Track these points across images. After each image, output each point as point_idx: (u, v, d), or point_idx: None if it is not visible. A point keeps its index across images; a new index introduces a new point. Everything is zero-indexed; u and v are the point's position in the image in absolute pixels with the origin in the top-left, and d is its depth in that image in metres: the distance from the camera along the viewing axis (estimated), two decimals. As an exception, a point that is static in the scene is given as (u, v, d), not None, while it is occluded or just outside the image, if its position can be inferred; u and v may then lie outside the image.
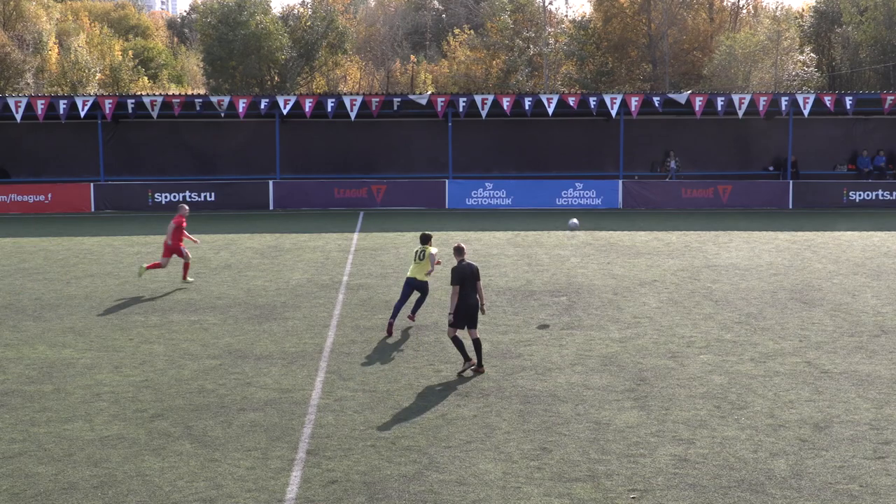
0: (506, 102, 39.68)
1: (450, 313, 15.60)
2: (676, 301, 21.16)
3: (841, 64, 78.15)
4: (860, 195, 40.04)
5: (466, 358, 15.47)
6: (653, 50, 77.87)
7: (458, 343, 15.57)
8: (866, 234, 31.90)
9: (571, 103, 39.98)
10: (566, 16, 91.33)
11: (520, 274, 24.53)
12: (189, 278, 23.42)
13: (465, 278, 15.58)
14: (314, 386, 14.95)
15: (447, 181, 40.21)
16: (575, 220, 28.79)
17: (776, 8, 78.16)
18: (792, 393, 14.61)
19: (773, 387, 14.90)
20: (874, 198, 40.02)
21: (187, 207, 24.25)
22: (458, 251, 16.00)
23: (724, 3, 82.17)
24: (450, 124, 40.34)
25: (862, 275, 24.32)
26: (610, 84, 75.43)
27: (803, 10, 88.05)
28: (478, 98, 40.08)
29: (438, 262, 18.83)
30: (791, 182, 40.38)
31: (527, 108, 39.98)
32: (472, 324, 15.65)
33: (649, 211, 38.98)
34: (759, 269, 25.17)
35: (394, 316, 18.23)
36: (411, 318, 18.96)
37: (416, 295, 18.91)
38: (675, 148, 43.11)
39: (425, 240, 18.83)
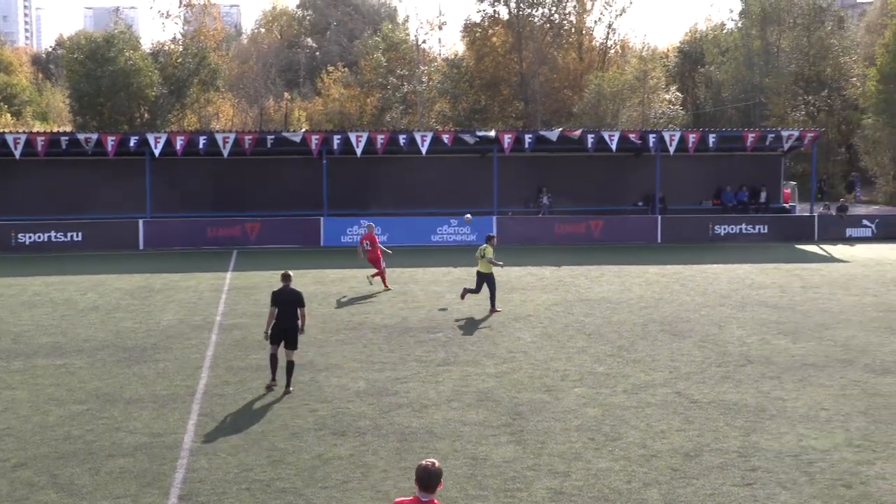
0: (380, 140, 39.82)
1: (265, 331, 16.98)
2: (550, 335, 21.45)
3: (705, 102, 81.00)
4: (725, 229, 41.40)
5: (272, 377, 16.89)
6: (525, 88, 79.30)
7: (272, 361, 16.94)
8: (731, 266, 32.96)
9: (445, 140, 40.35)
10: (439, 54, 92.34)
11: (395, 311, 24.52)
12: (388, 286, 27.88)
13: (284, 302, 16.85)
14: (186, 429, 14.61)
15: (322, 218, 40.03)
16: (468, 216, 30.11)
17: (643, 48, 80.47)
18: (663, 423, 14.93)
19: (645, 417, 15.21)
20: (738, 231, 41.43)
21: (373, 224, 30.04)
22: (284, 277, 17.29)
23: (594, 44, 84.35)
24: (324, 161, 40.24)
25: (728, 306, 25.10)
26: (483, 121, 76.45)
27: (668, 51, 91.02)
28: (352, 135, 40.13)
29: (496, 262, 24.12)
30: (659, 217, 41.51)
31: (402, 144, 40.20)
32: (289, 345, 16.87)
33: (523, 246, 39.51)
34: (629, 302, 25.73)
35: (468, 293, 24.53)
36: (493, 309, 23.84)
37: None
38: (548, 184, 43.89)
39: (488, 239, 24.47)
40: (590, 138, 40.99)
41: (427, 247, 39.27)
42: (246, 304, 25.57)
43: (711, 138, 41.83)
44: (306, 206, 41.95)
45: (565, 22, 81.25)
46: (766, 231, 41.59)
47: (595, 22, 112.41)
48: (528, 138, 41.14)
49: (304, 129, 52.03)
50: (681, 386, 17.11)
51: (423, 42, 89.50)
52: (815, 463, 13.25)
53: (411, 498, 8.01)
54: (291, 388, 16.75)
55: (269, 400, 16.25)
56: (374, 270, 28.40)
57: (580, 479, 12.58)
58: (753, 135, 42.58)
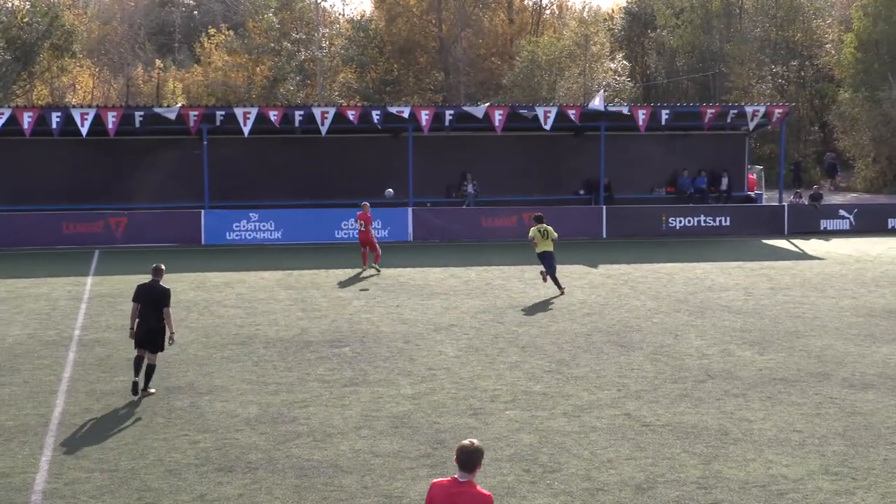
0: (273, 116, 39.59)
1: (130, 328, 17.99)
2: (477, 348, 21.54)
3: (656, 72, 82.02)
4: (680, 221, 42.04)
5: (134, 380, 17.63)
6: (445, 56, 79.52)
7: (136, 363, 17.80)
8: (688, 265, 33.47)
9: (351, 117, 40.27)
10: (342, 14, 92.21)
11: (293, 321, 24.42)
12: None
13: (147, 300, 17.78)
14: (38, 467, 14.37)
15: (203, 212, 39.68)
16: (390, 190, 30.49)
17: (583, 9, 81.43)
18: (610, 451, 15.09)
19: (589, 444, 15.35)
20: (696, 224, 42.10)
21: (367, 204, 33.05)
22: (155, 271, 18.20)
23: (526, 3, 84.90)
24: (205, 143, 39.88)
25: (685, 312, 25.48)
26: (396, 95, 76.53)
27: (613, 12, 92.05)
28: (238, 111, 39.81)
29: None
30: (605, 208, 41.95)
31: (298, 123, 40.03)
32: (151, 348, 17.87)
33: (444, 243, 39.60)
34: (570, 308, 25.97)
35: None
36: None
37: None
38: (474, 170, 44.05)
39: (539, 220, 28.65)
40: (521, 114, 41.22)
41: (330, 244, 39.15)
42: (111, 316, 25.23)
43: (664, 115, 42.38)
44: (183, 196, 41.53)
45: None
46: (728, 223, 42.32)
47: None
48: (448, 115, 41.25)
49: (180, 105, 51.57)
50: (631, 406, 17.31)
51: (324, 0, 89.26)
52: (787, 494, 13.50)
53: (449, 479, 8.91)
54: (152, 390, 17.93)
55: (140, 430, 16.05)
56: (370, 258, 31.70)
57: (514, 518, 12.66)
58: (713, 111, 43.29)
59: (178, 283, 29.41)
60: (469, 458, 8.76)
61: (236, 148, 41.87)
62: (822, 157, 71.64)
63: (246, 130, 39.41)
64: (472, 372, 19.60)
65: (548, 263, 28.36)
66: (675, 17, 79.14)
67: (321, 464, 14.52)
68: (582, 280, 30.34)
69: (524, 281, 30.20)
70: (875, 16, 63.65)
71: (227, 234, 39.52)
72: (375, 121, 40.38)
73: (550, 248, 28.42)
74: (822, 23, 75.41)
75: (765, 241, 40.44)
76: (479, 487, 8.82)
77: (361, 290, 28.90)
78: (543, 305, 26.33)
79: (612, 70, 76.87)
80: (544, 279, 28.41)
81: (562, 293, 28.09)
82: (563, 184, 45.20)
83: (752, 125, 44.43)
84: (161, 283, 18.07)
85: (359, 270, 32.11)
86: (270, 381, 19.02)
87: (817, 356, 20.95)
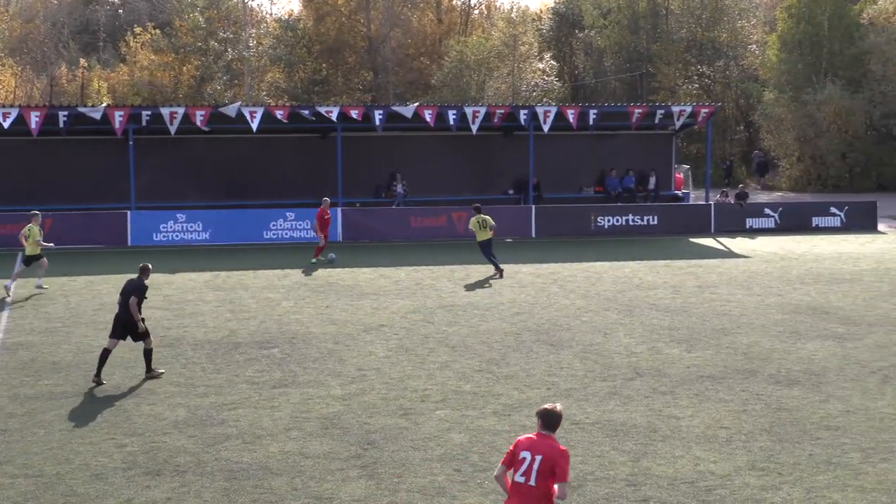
0: (199, 117, 39.28)
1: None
2: (408, 348, 21.54)
3: (584, 72, 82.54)
4: (609, 221, 42.32)
5: (97, 373, 18.75)
6: (374, 55, 79.41)
7: (102, 355, 18.97)
8: (617, 264, 33.72)
9: (280, 117, 40.08)
10: (270, 14, 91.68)
11: (221, 323, 24.24)
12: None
13: (121, 293, 19.34)
14: (-39, 474, 14.13)
15: (129, 213, 39.24)
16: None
17: (511, 9, 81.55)
18: (541, 449, 15.15)
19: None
20: (624, 223, 42.41)
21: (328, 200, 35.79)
22: (142, 270, 19.80)
23: (454, 3, 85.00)
24: (131, 143, 39.45)
25: (613, 311, 25.67)
26: (324, 95, 76.26)
27: (542, 13, 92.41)
28: (165, 111, 39.44)
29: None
30: (534, 207, 42.12)
31: (226, 122, 39.75)
32: (134, 338, 19.21)
33: (374, 243, 39.54)
34: (500, 307, 26.05)
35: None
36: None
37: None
38: (403, 170, 44.04)
39: (478, 210, 29.61)
40: (451, 115, 41.30)
41: (258, 245, 38.92)
42: (35, 319, 24.87)
43: (592, 114, 42.66)
44: (109, 197, 41.06)
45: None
46: (655, 222, 42.70)
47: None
48: (378, 115, 41.20)
49: (105, 104, 50.97)
50: (560, 405, 17.38)
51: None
52: (714, 490, 13.65)
53: (534, 434, 10.46)
54: (160, 371, 19.45)
55: (65, 435, 15.84)
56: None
57: (444, 517, 12.67)
58: (640, 111, 43.66)
59: (104, 286, 29.12)
60: (551, 419, 10.42)
61: (163, 148, 41.48)
62: (747, 156, 72.54)
63: (172, 130, 39.04)
64: (403, 372, 19.59)
65: (487, 252, 30.93)
66: (603, 18, 79.71)
67: (250, 466, 14.42)
68: (511, 279, 30.45)
69: (454, 281, 30.25)
70: (798, 17, 64.61)
71: (154, 235, 39.12)
72: (307, 117, 40.23)
73: (488, 237, 31.01)
74: (746, 23, 76.39)
75: (692, 240, 40.85)
76: (558, 443, 10.32)
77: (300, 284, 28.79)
78: (473, 305, 26.38)
79: (540, 70, 77.19)
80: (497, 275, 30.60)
81: (499, 275, 30.73)
82: (493, 183, 45.34)
83: (678, 125, 44.89)
84: (139, 279, 19.54)
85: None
86: (199, 383, 18.86)
87: (744, 353, 21.21)
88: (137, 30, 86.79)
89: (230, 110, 39.84)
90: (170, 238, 39.09)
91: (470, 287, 29.14)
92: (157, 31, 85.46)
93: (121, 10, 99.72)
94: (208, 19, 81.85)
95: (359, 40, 79.99)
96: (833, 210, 45.42)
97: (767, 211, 45.13)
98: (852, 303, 26.58)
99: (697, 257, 35.92)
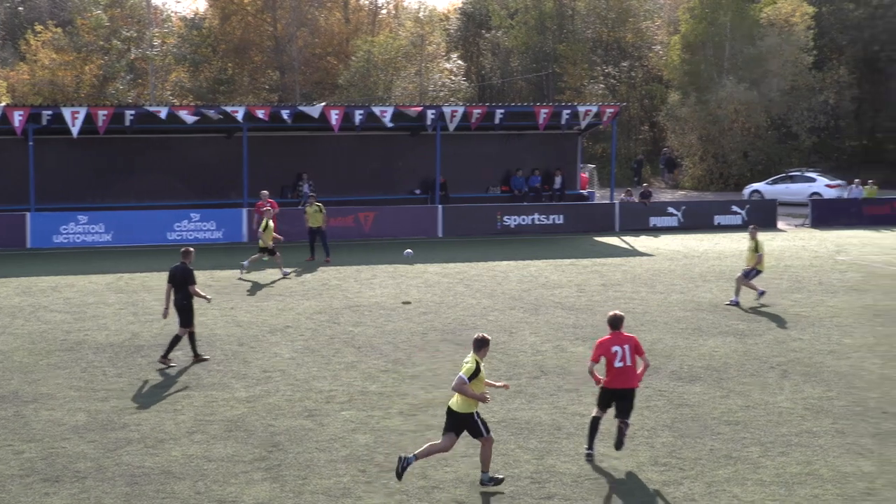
0: (102, 116, 38.68)
1: (164, 309, 20.88)
2: (313, 349, 21.44)
3: (491, 72, 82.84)
4: (515, 220, 42.52)
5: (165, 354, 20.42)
6: (280, 55, 78.90)
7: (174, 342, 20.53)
8: (523, 263, 33.90)
9: (185, 117, 39.63)
10: (175, 13, 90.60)
11: (123, 326, 23.90)
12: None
13: (171, 279, 20.63)
14: None
15: (28, 214, 38.48)
16: (409, 251, 30.17)
17: (419, 9, 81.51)
18: (449, 449, 15.19)
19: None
20: (530, 222, 42.64)
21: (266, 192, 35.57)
22: (184, 254, 20.79)
23: (362, 3, 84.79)
24: (31, 143, 38.67)
25: (519, 309, 25.81)
26: (230, 94, 75.55)
27: (449, 13, 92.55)
28: (66, 111, 38.75)
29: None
30: (440, 207, 42.17)
31: (128, 122, 39.21)
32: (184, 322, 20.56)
33: (279, 244, 39.25)
34: (406, 307, 26.04)
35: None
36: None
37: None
38: (310, 170, 43.81)
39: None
40: (358, 114, 41.21)
41: (163, 246, 38.40)
42: (-70, 323, 24.30)
43: (499, 114, 42.81)
44: (8, 198, 40.21)
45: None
46: (561, 221, 42.99)
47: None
48: (285, 114, 40.94)
49: (4, 104, 50.01)
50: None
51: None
52: (618, 487, 13.81)
53: (610, 335, 15.15)
54: (205, 356, 20.72)
55: (-40, 441, 15.51)
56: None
57: (349, 519, 12.65)
58: (547, 111, 43.90)
59: (2, 289, 28.53)
60: (616, 321, 15.23)
61: (65, 148, 40.72)
62: (651, 155, 73.40)
63: (74, 130, 38.37)
64: (308, 373, 19.50)
65: (322, 237, 34.15)
66: (510, 18, 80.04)
67: (153, 470, 14.25)
68: (417, 279, 30.45)
69: (360, 281, 30.16)
70: (701, 17, 65.45)
71: (55, 236, 38.39)
72: (213, 118, 39.85)
73: (319, 224, 34.01)
74: (651, 24, 77.25)
75: (597, 239, 41.20)
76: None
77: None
78: (380, 305, 26.33)
79: (447, 70, 77.26)
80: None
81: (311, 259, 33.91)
82: (400, 183, 45.31)
83: (584, 125, 45.24)
84: (185, 264, 20.59)
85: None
86: (100, 387, 18.58)
87: (647, 350, 21.35)
88: (38, 28, 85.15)
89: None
90: (71, 240, 38.39)
91: (376, 287, 29.08)
92: (59, 29, 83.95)
93: (21, 8, 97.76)
94: (111, 18, 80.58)
95: (265, 39, 79.33)
96: (734, 209, 46.16)
97: (671, 210, 45.69)
98: (752, 300, 27.02)
99: (602, 256, 36.25)
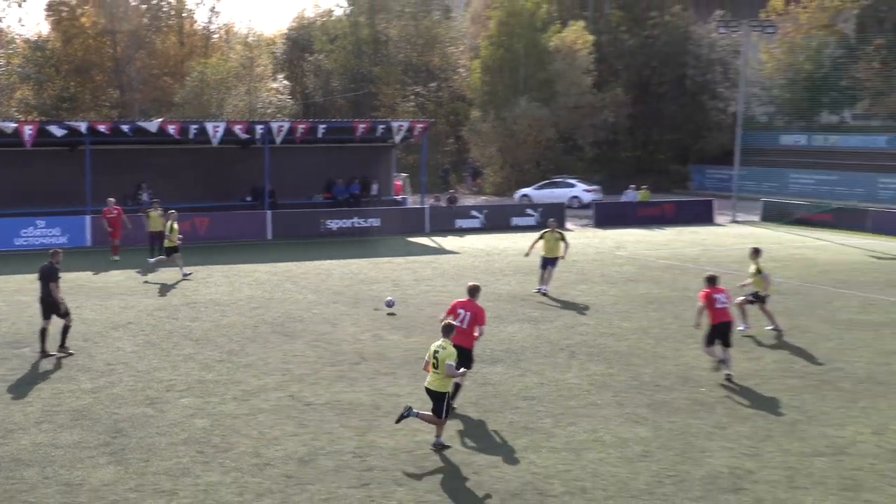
0: (-51, 131, 36.94)
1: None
2: (154, 343, 20.97)
3: (314, 91, 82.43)
4: (337, 223, 42.38)
5: (41, 348, 19.81)
6: (120, 74, 76.85)
7: (41, 334, 19.94)
8: (344, 262, 33.84)
9: (28, 133, 38.17)
10: (19, 35, 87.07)
11: (-27, 325, 22.90)
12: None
13: (40, 277, 20.05)
14: None
15: None
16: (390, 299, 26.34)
17: (248, 34, 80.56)
18: (276, 429, 15.08)
19: (257, 425, 15.28)
20: (350, 225, 42.57)
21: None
22: (52, 255, 20.25)
23: (195, 28, 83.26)
24: None
25: (341, 303, 25.77)
26: (73, 111, 73.13)
27: (275, 38, 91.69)
28: (-86, 126, 36.89)
29: None
30: (269, 212, 41.73)
31: (-25, 137, 37.62)
32: (58, 315, 19.95)
33: (123, 247, 38.21)
34: (239, 303, 25.71)
35: None
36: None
37: None
38: (149, 179, 42.79)
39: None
40: (192, 129, 40.45)
41: (10, 252, 36.91)
42: None
43: (321, 129, 42.68)
44: None
45: (164, 3, 79.56)
46: (378, 224, 43.04)
47: (197, 5, 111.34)
48: (125, 128, 39.86)
49: None
50: (294, 389, 17.36)
51: (1, 20, 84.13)
52: (430, 457, 13.95)
53: (465, 300, 16.38)
54: (71, 351, 19.94)
55: None
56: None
57: (188, 495, 12.43)
58: (364, 126, 43.95)
59: None
60: (472, 290, 16.47)
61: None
62: (456, 164, 74.18)
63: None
64: (149, 365, 19.06)
65: (161, 241, 31.97)
66: (331, 43, 79.81)
67: (2, 459, 13.72)
68: (249, 277, 30.06)
69: (197, 280, 29.59)
70: (498, 45, 66.52)
71: None
72: (58, 135, 38.49)
73: (160, 228, 32.48)
74: (455, 50, 78.05)
75: (409, 239, 41.38)
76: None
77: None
78: (215, 302, 25.91)
79: (274, 89, 76.55)
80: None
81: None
82: (232, 191, 44.63)
83: (397, 138, 45.44)
84: (50, 263, 19.96)
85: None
86: (-49, 383, 17.76)
87: (454, 337, 21.67)
88: None
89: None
90: (-79, 246, 36.55)
91: (211, 285, 28.59)
92: None
93: None
94: (-43, 39, 77.09)
95: (105, 60, 77.10)
96: (529, 211, 47.03)
97: (474, 213, 46.25)
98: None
99: (414, 254, 36.46)
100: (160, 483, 12.85)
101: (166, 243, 30.71)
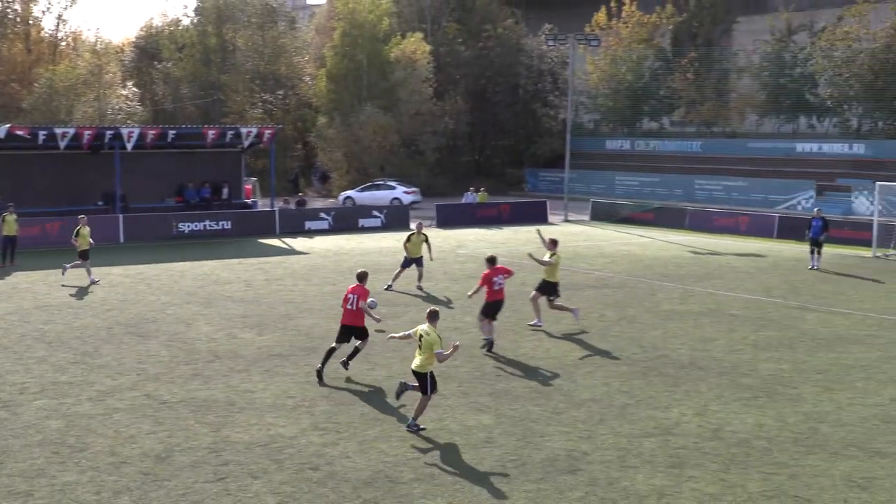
0: None
1: None
2: (6, 346, 20.09)
3: (164, 98, 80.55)
4: (189, 226, 41.50)
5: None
6: (-34, 81, 73.49)
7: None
8: (197, 263, 33.14)
9: None
10: None
11: None
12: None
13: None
14: None
15: None
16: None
17: (96, 42, 77.99)
18: (133, 428, 14.65)
19: (113, 424, 14.81)
20: (202, 228, 41.74)
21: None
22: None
23: (42, 35, 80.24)
24: None
25: (195, 303, 25.22)
26: (-83, 117, 69.55)
27: (124, 45, 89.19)
28: None
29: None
30: (121, 216, 40.58)
31: None
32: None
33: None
34: (92, 305, 24.88)
35: None
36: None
37: None
38: (2, 185, 41.02)
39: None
40: (41, 135, 38.99)
41: None
42: None
43: (171, 135, 41.80)
44: None
45: (9, 10, 76.43)
46: (229, 227, 42.33)
47: (43, 12, 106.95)
48: (-29, 135, 38.16)
49: None
50: (149, 388, 16.89)
51: None
52: (284, 450, 13.77)
53: (355, 286, 17.61)
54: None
55: None
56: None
57: (45, 496, 11.96)
58: (214, 132, 43.20)
59: None
60: (360, 276, 17.88)
61: None
62: (304, 169, 73.65)
63: None
64: (1, 368, 18.25)
65: (13, 245, 32.10)
66: (179, 52, 78.13)
67: None
68: (102, 280, 29.10)
69: (49, 284, 28.50)
70: (342, 55, 66.29)
71: None
72: None
73: (14, 233, 32.06)
74: (301, 59, 77.42)
75: (260, 241, 40.81)
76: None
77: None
78: (68, 304, 25.01)
79: (124, 96, 74.45)
80: None
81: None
82: (85, 196, 43.17)
83: (246, 144, 44.82)
84: None
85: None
86: None
87: (306, 334, 21.52)
88: None
89: None
90: None
91: (64, 288, 27.58)
92: None
93: None
94: None
95: (-50, 67, 73.77)
96: (375, 213, 47.03)
97: (322, 215, 45.98)
98: (396, 286, 27.61)
99: (265, 255, 35.99)
100: (14, 485, 12.33)
101: (80, 248, 28.94)
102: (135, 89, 77.09)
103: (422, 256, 28.14)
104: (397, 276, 27.95)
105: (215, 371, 18.15)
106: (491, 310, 20.24)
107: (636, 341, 21.11)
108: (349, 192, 58.49)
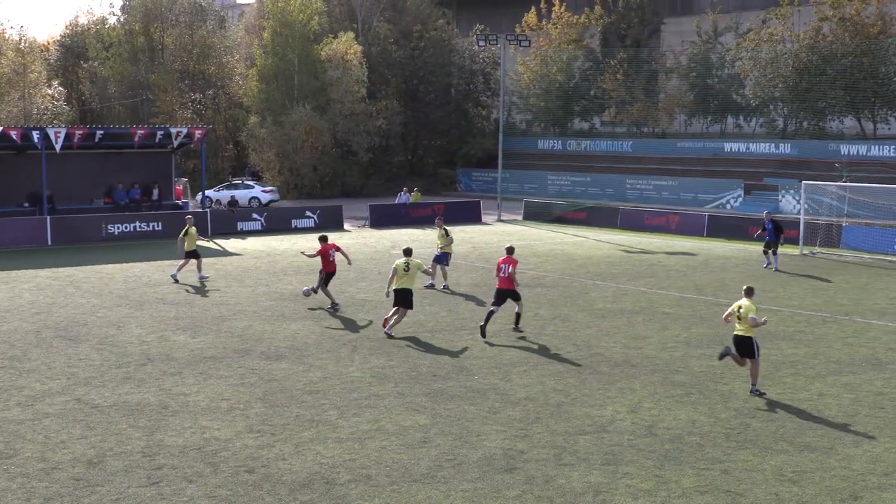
0: None
1: None
2: (-70, 352, 19.63)
3: (91, 98, 79.27)
4: (119, 227, 40.90)
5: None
6: None
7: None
8: (127, 265, 32.68)
9: None
10: None
11: None
12: None
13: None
14: None
15: None
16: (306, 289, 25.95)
17: (20, 40, 76.47)
18: (63, 433, 14.40)
19: (42, 430, 14.55)
20: (132, 229, 41.17)
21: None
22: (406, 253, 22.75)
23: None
24: None
25: (126, 306, 24.87)
26: None
27: (49, 44, 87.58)
28: None
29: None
30: (49, 217, 39.85)
31: None
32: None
33: None
34: (20, 309, 24.40)
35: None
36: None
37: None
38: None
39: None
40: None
41: None
42: None
43: (99, 134, 41.16)
44: None
45: (-70, 8, 74.78)
46: (160, 228, 41.78)
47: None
48: None
49: None
50: (80, 392, 16.62)
51: None
52: (219, 453, 13.64)
53: (506, 257, 21.74)
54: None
55: None
56: None
57: (-27, 504, 11.70)
58: (142, 132, 42.65)
59: None
60: (511, 250, 22.07)
61: None
62: (236, 169, 73.02)
63: None
64: (-74, 374, 17.82)
65: None
66: (106, 51, 76.91)
67: None
68: (30, 283, 28.57)
69: (-26, 287, 27.91)
70: (273, 54, 65.83)
71: None
72: None
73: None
74: (231, 58, 76.69)
75: (192, 242, 40.27)
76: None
77: None
78: (-6, 308, 24.52)
79: (49, 95, 73.11)
80: None
81: None
82: (9, 197, 42.30)
83: (176, 144, 44.26)
84: None
85: None
86: None
87: (239, 335, 21.34)
88: None
89: None
90: None
91: (-10, 292, 27.04)
92: None
93: None
94: None
95: None
96: (308, 213, 46.77)
97: (255, 215, 45.62)
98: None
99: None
100: (-58, 493, 12.06)
101: (188, 249, 29.08)
102: (61, 89, 75.74)
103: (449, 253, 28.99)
104: (444, 274, 28.47)
105: (148, 374, 17.92)
106: (500, 296, 21.90)
107: (570, 340, 21.29)
108: (208, 192, 57.76)
